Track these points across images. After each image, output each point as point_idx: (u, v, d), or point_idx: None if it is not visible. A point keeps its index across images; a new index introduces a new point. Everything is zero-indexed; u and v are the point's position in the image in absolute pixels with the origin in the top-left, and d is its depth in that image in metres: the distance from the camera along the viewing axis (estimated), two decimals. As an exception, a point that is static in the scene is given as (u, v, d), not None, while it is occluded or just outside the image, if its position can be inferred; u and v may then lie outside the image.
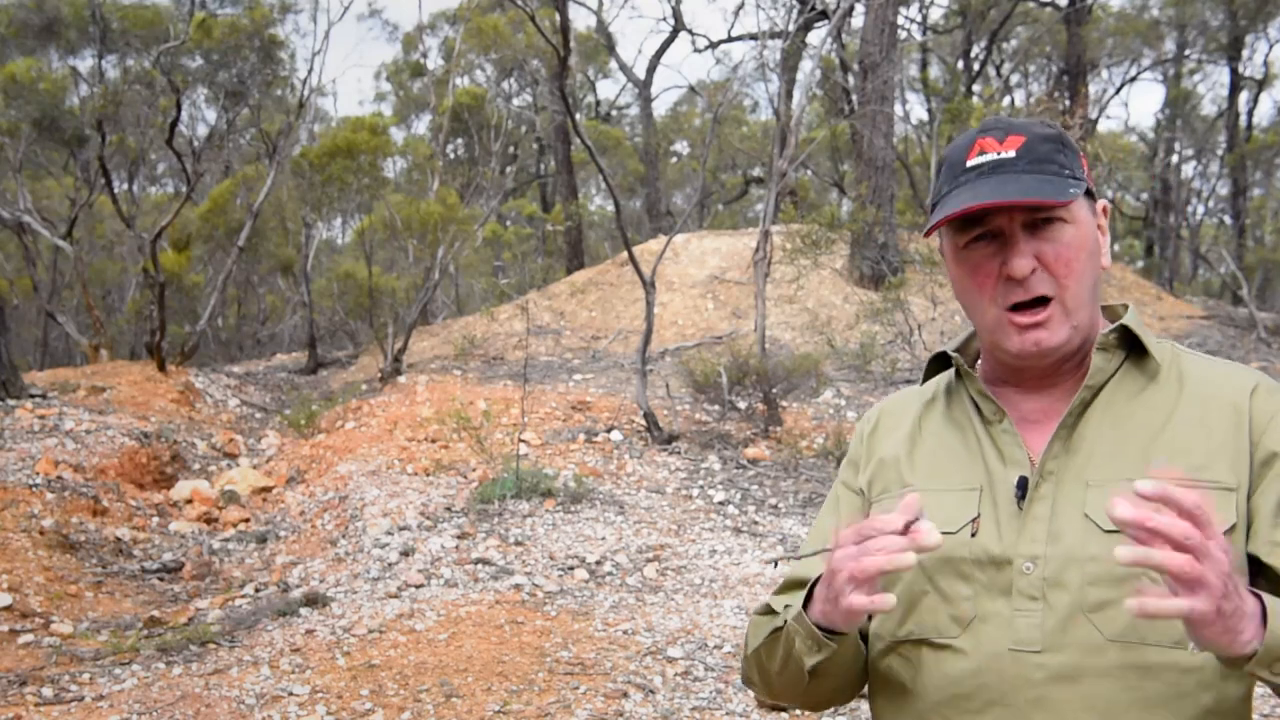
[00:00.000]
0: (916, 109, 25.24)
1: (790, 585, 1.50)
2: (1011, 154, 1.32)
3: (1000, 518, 1.31)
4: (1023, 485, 1.30)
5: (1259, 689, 1.26)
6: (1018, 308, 1.31)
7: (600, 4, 26.58)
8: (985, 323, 1.35)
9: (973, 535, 1.31)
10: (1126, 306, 1.40)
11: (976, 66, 21.73)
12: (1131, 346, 1.35)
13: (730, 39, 23.00)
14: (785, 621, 1.34)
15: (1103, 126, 25.85)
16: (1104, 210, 1.38)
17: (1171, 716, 1.21)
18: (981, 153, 1.34)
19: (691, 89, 25.91)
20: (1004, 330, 1.32)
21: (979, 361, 1.47)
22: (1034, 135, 1.33)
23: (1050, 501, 1.29)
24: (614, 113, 28.78)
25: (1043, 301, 1.30)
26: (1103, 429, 1.31)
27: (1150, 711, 1.21)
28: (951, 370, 1.47)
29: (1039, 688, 1.23)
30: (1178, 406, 1.31)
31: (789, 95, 15.41)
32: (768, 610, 1.43)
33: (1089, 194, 1.35)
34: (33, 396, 9.78)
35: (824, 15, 13.63)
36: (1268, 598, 1.11)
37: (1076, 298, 1.31)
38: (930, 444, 1.42)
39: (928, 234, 1.38)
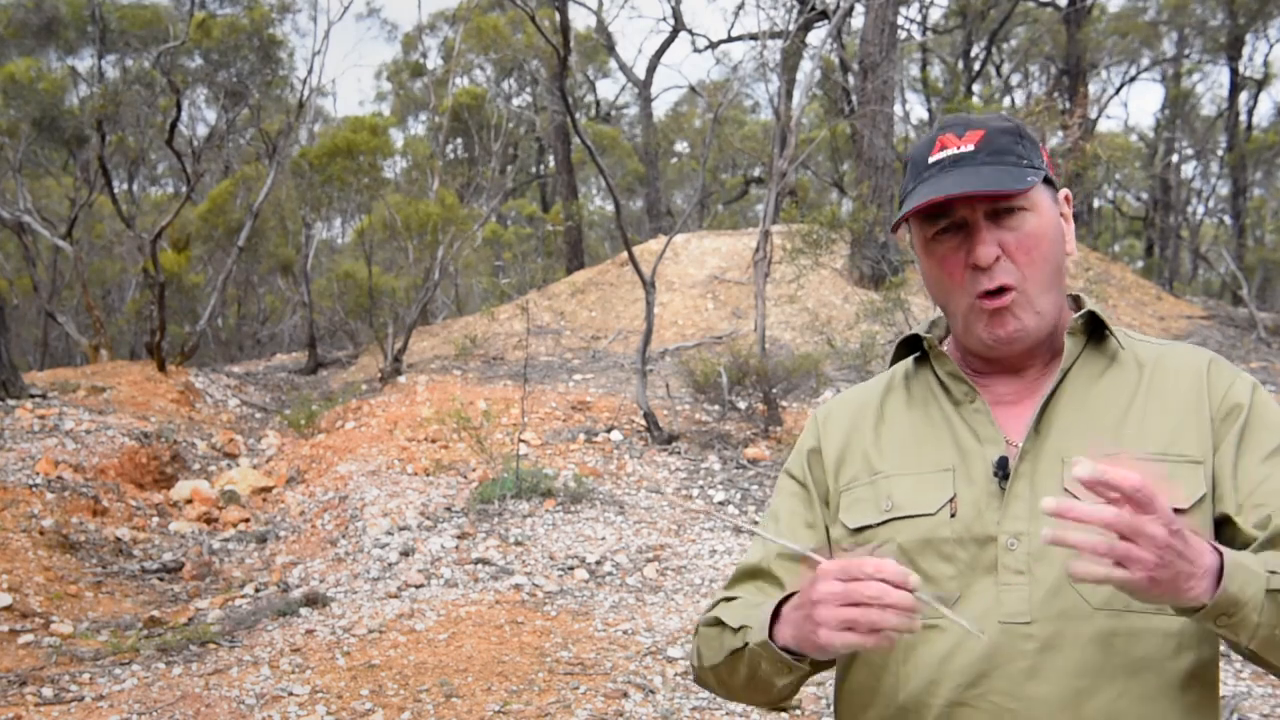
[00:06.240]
0: (916, 109, 25.27)
1: (742, 576, 1.50)
2: (971, 148, 1.37)
3: (979, 497, 1.34)
4: (1003, 464, 1.33)
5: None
6: (985, 296, 1.35)
7: (600, 4, 26.59)
8: (958, 311, 1.39)
9: (952, 515, 1.34)
10: (1078, 296, 1.46)
11: (976, 66, 21.72)
12: (1092, 330, 1.41)
13: (730, 39, 22.90)
14: (747, 644, 1.32)
15: (1103, 126, 25.85)
16: (1066, 199, 1.44)
17: (1155, 678, 1.25)
18: (943, 149, 1.38)
19: (691, 89, 25.85)
20: (976, 317, 1.37)
21: (946, 343, 1.49)
22: (992, 129, 1.38)
23: (1029, 479, 1.32)
24: (614, 113, 28.77)
25: (1007, 291, 1.35)
26: (1071, 409, 1.36)
27: (1136, 674, 1.25)
28: (910, 359, 1.51)
29: (1031, 658, 1.26)
30: (1140, 385, 1.37)
31: (789, 95, 15.40)
32: (717, 621, 1.41)
33: (1050, 184, 1.40)
34: (33, 396, 9.77)
35: (824, 15, 13.63)
36: (1230, 555, 1.14)
37: (1039, 284, 1.35)
38: (895, 429, 1.45)
39: (895, 229, 1.42)
